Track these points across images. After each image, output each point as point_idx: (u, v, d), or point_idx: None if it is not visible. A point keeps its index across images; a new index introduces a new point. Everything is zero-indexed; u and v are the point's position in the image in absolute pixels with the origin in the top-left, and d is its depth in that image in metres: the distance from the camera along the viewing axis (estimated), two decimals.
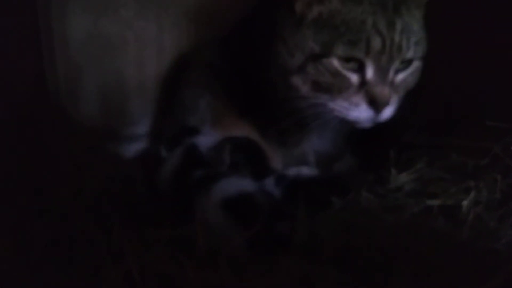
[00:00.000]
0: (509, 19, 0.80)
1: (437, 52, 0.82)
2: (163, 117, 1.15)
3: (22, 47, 0.94)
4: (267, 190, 0.78)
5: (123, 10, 1.09)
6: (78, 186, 0.72)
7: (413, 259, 0.58)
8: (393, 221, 0.66)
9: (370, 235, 0.63)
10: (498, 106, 0.78)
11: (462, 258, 0.59)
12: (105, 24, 1.08)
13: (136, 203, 0.76)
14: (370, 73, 0.77)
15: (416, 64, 0.82)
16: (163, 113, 1.16)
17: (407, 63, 0.80)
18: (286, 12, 0.81)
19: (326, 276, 0.56)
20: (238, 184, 0.74)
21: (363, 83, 0.78)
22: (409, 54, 0.78)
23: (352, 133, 0.96)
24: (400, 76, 0.80)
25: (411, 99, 0.84)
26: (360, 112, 0.78)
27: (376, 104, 0.77)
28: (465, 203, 0.68)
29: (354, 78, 0.78)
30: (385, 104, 0.77)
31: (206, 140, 0.91)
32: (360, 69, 0.77)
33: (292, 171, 0.96)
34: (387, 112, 0.79)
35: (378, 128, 0.82)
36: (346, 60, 0.77)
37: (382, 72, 0.77)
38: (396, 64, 0.78)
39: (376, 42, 0.75)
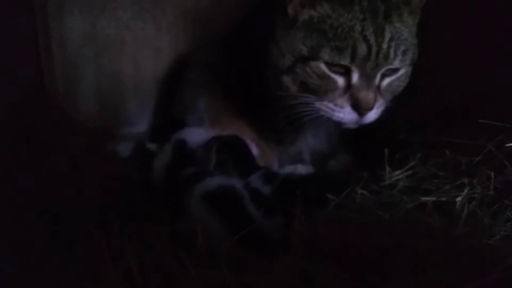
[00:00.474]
0: (503, 19, 0.80)
1: (430, 51, 0.83)
2: (162, 117, 1.16)
3: (19, 47, 0.94)
4: (253, 186, 0.80)
5: (121, 11, 1.09)
6: (77, 186, 0.72)
7: (408, 255, 0.58)
8: (388, 218, 0.67)
9: (366, 232, 0.63)
10: (492, 104, 0.79)
11: (456, 253, 0.59)
12: (103, 25, 1.08)
13: (134, 201, 0.77)
14: (355, 78, 0.78)
15: (403, 71, 0.82)
16: (162, 113, 1.16)
17: (394, 69, 0.80)
18: (280, 14, 0.83)
19: (324, 272, 0.56)
20: (220, 179, 0.77)
21: (348, 86, 0.79)
22: (396, 63, 0.78)
23: (346, 132, 0.97)
24: (387, 81, 0.81)
25: (406, 99, 0.85)
26: (345, 114, 0.80)
27: (359, 108, 0.79)
28: (459, 199, 0.69)
29: (340, 81, 0.79)
30: (369, 108, 0.79)
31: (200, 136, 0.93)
32: (347, 73, 0.78)
33: (288, 169, 0.98)
34: (371, 116, 0.80)
35: (373, 127, 0.83)
36: (332, 64, 0.78)
37: (367, 77, 0.78)
38: (383, 71, 0.79)
39: (362, 50, 0.75)
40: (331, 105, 0.80)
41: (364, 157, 0.90)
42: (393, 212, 0.68)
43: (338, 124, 0.83)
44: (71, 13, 1.05)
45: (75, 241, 0.64)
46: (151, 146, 0.96)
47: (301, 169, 0.98)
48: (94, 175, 0.77)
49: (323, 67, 0.78)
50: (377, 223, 0.67)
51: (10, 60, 0.87)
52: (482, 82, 0.81)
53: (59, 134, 0.88)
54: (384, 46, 0.76)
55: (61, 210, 0.68)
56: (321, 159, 1.02)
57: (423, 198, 0.69)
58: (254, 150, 0.95)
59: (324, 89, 0.80)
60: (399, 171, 0.76)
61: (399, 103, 0.85)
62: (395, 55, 0.77)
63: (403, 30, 0.78)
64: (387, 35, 0.76)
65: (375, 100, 0.79)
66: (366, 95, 0.78)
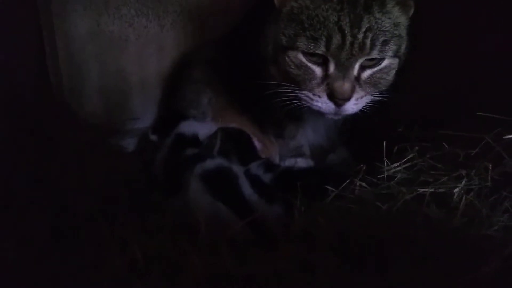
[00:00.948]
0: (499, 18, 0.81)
1: (428, 45, 0.83)
2: (166, 112, 1.17)
3: (24, 44, 0.95)
4: (253, 173, 0.83)
5: (124, 8, 1.11)
6: (82, 179, 0.73)
7: (407, 246, 0.59)
8: (387, 209, 0.68)
9: (364, 223, 0.64)
10: (489, 97, 0.79)
11: (454, 244, 0.60)
12: (107, 22, 1.10)
13: (139, 192, 0.78)
14: (332, 68, 0.79)
15: (386, 62, 0.81)
16: (166, 108, 1.18)
17: (376, 60, 0.81)
18: (271, 7, 0.84)
19: (324, 261, 0.57)
20: (220, 161, 0.80)
21: (326, 76, 0.80)
22: (374, 53, 0.78)
23: (345, 126, 0.99)
24: (368, 73, 0.81)
25: (403, 92, 0.85)
26: (322, 104, 0.81)
27: (335, 98, 0.79)
28: (456, 190, 0.69)
29: (317, 71, 0.80)
30: (344, 98, 0.79)
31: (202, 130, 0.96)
32: (324, 63, 0.80)
33: (289, 162, 0.99)
34: (350, 106, 0.81)
35: (371, 121, 0.84)
36: (310, 54, 0.79)
37: (343, 67, 0.78)
38: (361, 61, 0.79)
39: (336, 39, 0.76)
40: (309, 94, 0.82)
41: (363, 150, 0.91)
42: (391, 203, 0.68)
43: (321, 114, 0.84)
44: (75, 11, 1.06)
45: (80, 231, 0.65)
46: (153, 137, 1.01)
47: (301, 162, 0.99)
48: (99, 168, 0.78)
49: (301, 56, 0.80)
50: (375, 215, 0.67)
51: (15, 57, 0.88)
52: (480, 76, 0.82)
53: (64, 129, 0.89)
54: (360, 36, 0.76)
55: (66, 202, 0.69)
56: (320, 153, 1.03)
57: (421, 190, 0.70)
58: (256, 144, 0.97)
59: (303, 79, 0.81)
60: (397, 164, 0.76)
61: (396, 97, 0.85)
62: (373, 46, 0.78)
63: (385, 21, 0.78)
64: (364, 26, 0.76)
65: (352, 91, 0.79)
66: (342, 84, 0.78)
